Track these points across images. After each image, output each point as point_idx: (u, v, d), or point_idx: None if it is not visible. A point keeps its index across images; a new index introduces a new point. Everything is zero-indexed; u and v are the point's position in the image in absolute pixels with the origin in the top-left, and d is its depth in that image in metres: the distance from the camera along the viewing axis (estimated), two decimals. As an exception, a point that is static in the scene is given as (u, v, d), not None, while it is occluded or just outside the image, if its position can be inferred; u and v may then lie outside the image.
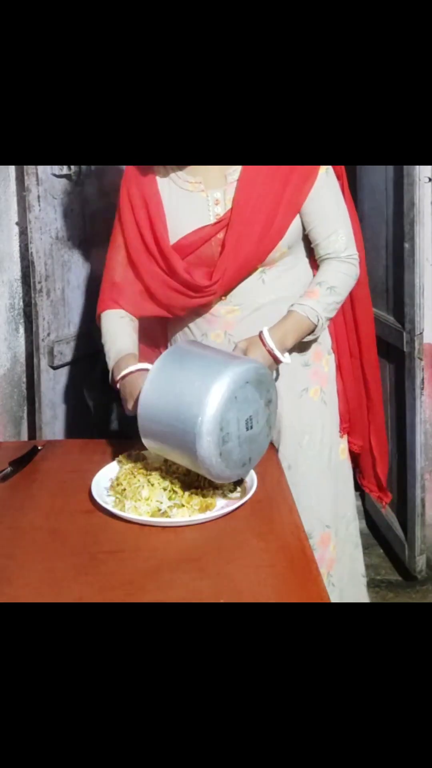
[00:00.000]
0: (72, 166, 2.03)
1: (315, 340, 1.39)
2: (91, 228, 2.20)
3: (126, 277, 1.41)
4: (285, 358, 1.29)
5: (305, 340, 1.35)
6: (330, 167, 1.35)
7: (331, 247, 1.36)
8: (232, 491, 1.15)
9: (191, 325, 1.43)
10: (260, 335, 1.28)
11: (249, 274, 1.36)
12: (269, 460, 1.25)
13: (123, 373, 1.27)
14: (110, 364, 1.34)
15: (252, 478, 1.16)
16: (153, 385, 1.09)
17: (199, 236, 1.33)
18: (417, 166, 2.01)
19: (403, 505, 2.26)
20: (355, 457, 1.62)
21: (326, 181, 1.35)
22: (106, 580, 0.93)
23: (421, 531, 2.20)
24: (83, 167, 2.08)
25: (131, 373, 1.26)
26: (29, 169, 1.86)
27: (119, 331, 1.40)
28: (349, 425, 1.53)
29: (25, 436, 2.08)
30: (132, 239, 1.38)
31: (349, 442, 1.55)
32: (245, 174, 1.31)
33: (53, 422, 2.05)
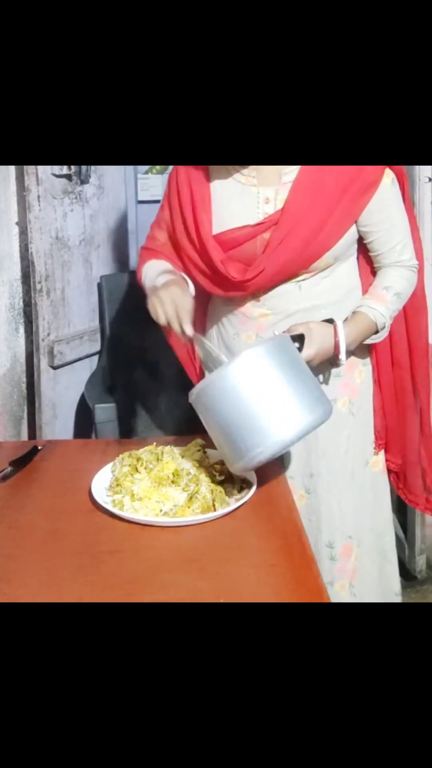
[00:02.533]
0: (72, 166, 2.03)
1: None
2: (91, 228, 2.20)
3: (166, 245, 1.43)
4: (343, 359, 1.28)
5: (365, 342, 1.33)
6: (394, 176, 1.32)
7: (396, 256, 1.34)
8: (232, 492, 1.15)
9: (225, 322, 1.42)
10: (334, 327, 1.26)
11: (287, 279, 1.33)
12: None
13: (165, 280, 1.28)
14: (155, 281, 1.34)
15: (252, 478, 1.16)
16: (245, 370, 1.05)
17: (244, 233, 1.30)
18: (417, 166, 2.01)
19: (403, 505, 2.25)
20: (402, 470, 1.56)
21: (392, 191, 1.32)
22: (106, 580, 0.93)
23: (421, 531, 2.21)
24: (83, 167, 2.08)
25: (172, 282, 1.27)
26: (29, 169, 1.86)
27: (162, 265, 1.39)
28: (384, 442, 1.49)
29: (25, 436, 2.08)
30: (176, 222, 1.38)
31: (387, 459, 1.51)
32: (302, 176, 1.27)
33: (53, 422, 2.05)
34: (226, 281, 1.32)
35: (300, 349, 1.19)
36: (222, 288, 1.35)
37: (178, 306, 1.22)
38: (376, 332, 1.33)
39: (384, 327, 1.32)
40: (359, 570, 1.46)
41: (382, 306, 1.32)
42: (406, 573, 2.26)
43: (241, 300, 1.37)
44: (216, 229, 1.32)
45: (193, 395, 1.09)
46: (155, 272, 1.37)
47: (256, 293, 1.34)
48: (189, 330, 1.21)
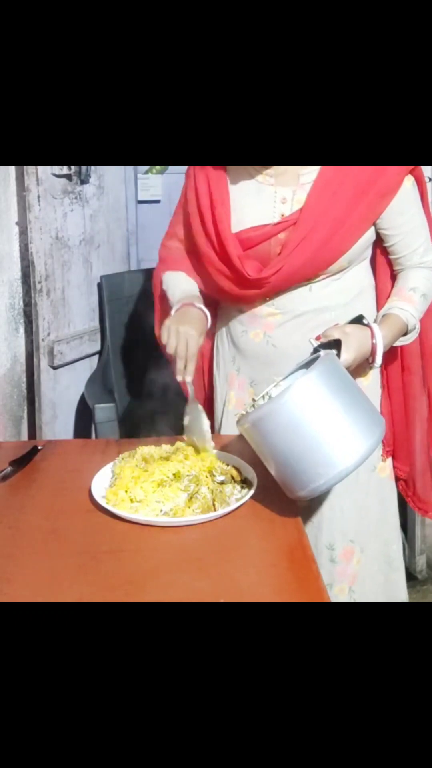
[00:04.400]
0: (72, 166, 2.03)
1: None
2: (91, 228, 2.20)
3: (181, 251, 1.44)
4: (379, 361, 1.26)
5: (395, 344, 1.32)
6: (413, 179, 1.32)
7: (418, 258, 1.34)
8: (232, 492, 1.15)
9: (234, 319, 1.43)
10: (371, 329, 1.24)
11: (302, 281, 1.32)
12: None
13: (183, 302, 1.30)
14: (174, 300, 1.35)
15: (252, 478, 1.16)
16: (302, 399, 1.01)
17: (260, 233, 1.30)
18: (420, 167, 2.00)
19: (403, 505, 2.25)
20: (410, 477, 1.54)
21: (413, 194, 1.32)
22: (106, 580, 0.93)
23: (421, 531, 2.21)
24: (83, 167, 2.08)
25: (185, 305, 1.28)
26: (29, 169, 1.86)
27: (181, 279, 1.41)
28: (392, 449, 1.48)
29: (25, 436, 2.08)
30: (193, 220, 1.37)
31: (394, 467, 1.50)
32: (321, 178, 1.27)
33: (53, 422, 2.05)
34: (243, 279, 1.32)
35: (338, 355, 1.16)
36: (238, 286, 1.35)
37: (189, 350, 1.22)
38: (405, 333, 1.32)
39: (414, 328, 1.32)
40: (362, 575, 1.45)
41: (412, 307, 1.31)
42: (406, 573, 2.26)
43: (252, 300, 1.37)
44: (234, 227, 1.32)
45: (247, 425, 1.05)
46: (177, 287, 1.39)
47: (269, 294, 1.35)
48: (189, 379, 1.22)
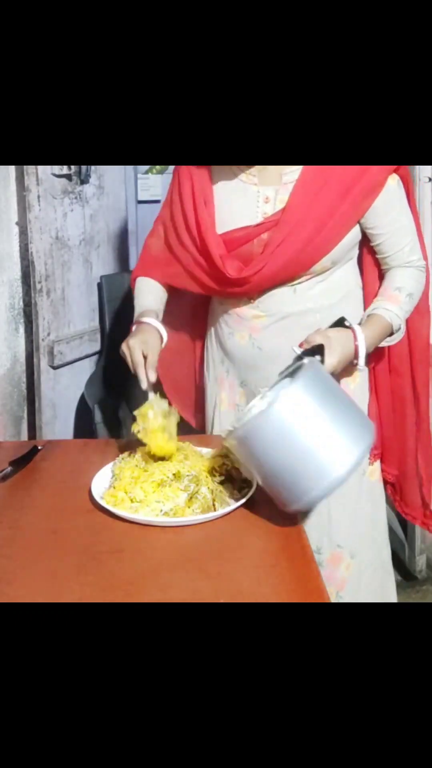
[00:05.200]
0: (72, 166, 2.03)
1: None
2: (91, 228, 2.20)
3: (162, 251, 1.44)
4: (361, 363, 1.25)
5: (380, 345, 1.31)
6: (399, 178, 1.31)
7: (405, 257, 1.33)
8: (232, 492, 1.15)
9: (221, 321, 1.43)
10: (353, 331, 1.23)
11: (285, 282, 1.32)
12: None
13: (136, 319, 1.34)
14: (135, 315, 1.40)
15: (252, 478, 1.16)
16: (289, 411, 0.99)
17: (243, 234, 1.30)
18: (417, 166, 2.01)
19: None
20: (398, 482, 1.53)
21: (399, 193, 1.31)
22: (106, 580, 0.93)
23: (421, 531, 2.20)
24: (83, 167, 2.08)
25: (142, 323, 1.32)
26: (29, 169, 1.86)
27: (145, 291, 1.45)
28: (380, 452, 1.47)
29: (25, 436, 2.08)
30: (176, 217, 1.37)
31: (382, 470, 1.48)
32: (304, 177, 1.27)
33: (53, 422, 2.05)
34: (224, 278, 1.32)
35: (321, 360, 1.15)
36: (219, 285, 1.34)
37: (135, 359, 1.25)
38: (391, 334, 1.31)
39: (399, 329, 1.31)
40: (354, 582, 1.43)
41: (396, 307, 1.30)
42: (406, 573, 2.26)
43: (236, 301, 1.37)
44: (218, 229, 1.32)
45: (234, 441, 1.04)
46: (141, 300, 1.42)
47: (252, 294, 1.34)
48: (152, 377, 1.24)
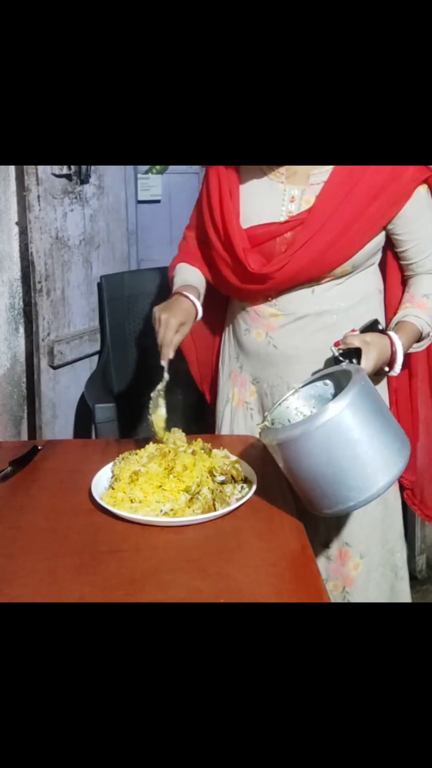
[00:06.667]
0: (72, 166, 2.03)
1: None
2: (91, 228, 2.20)
3: (195, 242, 1.46)
4: (397, 370, 1.26)
5: (410, 350, 1.32)
6: (428, 186, 1.31)
7: (429, 264, 1.34)
8: (232, 492, 1.15)
9: (239, 317, 1.44)
10: (390, 339, 1.24)
11: (303, 283, 1.32)
12: (269, 460, 1.25)
13: (176, 290, 1.35)
14: (174, 288, 1.39)
15: (252, 478, 1.16)
16: (339, 424, 0.99)
17: (266, 231, 1.31)
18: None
19: (403, 505, 2.25)
20: (417, 486, 1.52)
21: (427, 200, 1.31)
22: (106, 580, 0.93)
23: (421, 531, 2.21)
24: (83, 167, 2.08)
25: (182, 295, 1.32)
26: (29, 169, 1.86)
27: (187, 270, 1.45)
28: None
29: (25, 436, 2.08)
30: (205, 213, 1.39)
31: None
32: (333, 178, 1.26)
33: (53, 422, 2.05)
34: (245, 273, 1.32)
35: (358, 363, 1.16)
36: (240, 279, 1.35)
37: (166, 337, 1.25)
38: (419, 340, 1.32)
39: (428, 335, 1.32)
40: (363, 582, 1.44)
41: (426, 314, 1.32)
42: (405, 573, 2.26)
43: (255, 299, 1.38)
44: (243, 222, 1.33)
45: (275, 442, 1.03)
46: (181, 277, 1.43)
47: (271, 293, 1.35)
48: (164, 363, 1.25)
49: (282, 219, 1.31)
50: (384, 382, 1.43)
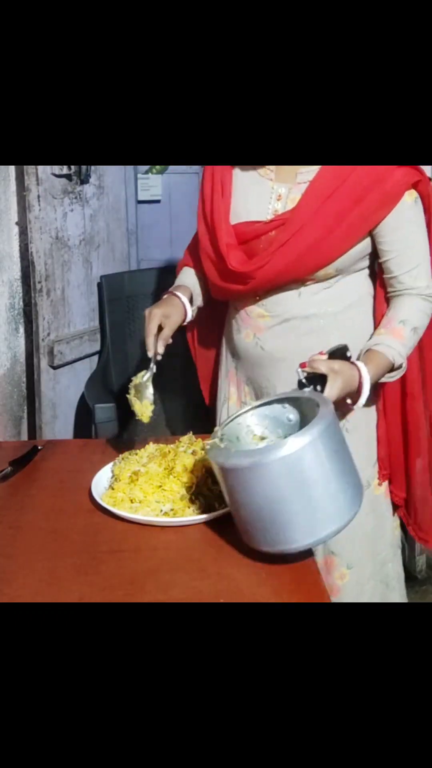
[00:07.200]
0: (72, 166, 2.03)
1: None
2: (91, 228, 2.20)
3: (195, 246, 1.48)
4: (361, 403, 1.20)
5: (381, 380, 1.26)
6: (418, 195, 1.27)
7: (411, 282, 1.28)
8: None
9: (231, 319, 1.45)
10: (359, 371, 1.18)
11: (289, 283, 1.31)
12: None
13: (170, 290, 1.40)
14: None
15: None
16: (299, 459, 0.89)
17: (252, 228, 1.30)
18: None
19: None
20: (409, 505, 1.46)
21: (414, 210, 1.27)
22: (106, 580, 0.93)
23: (421, 531, 2.20)
24: (83, 167, 2.08)
25: (172, 294, 1.38)
26: (29, 169, 1.86)
27: (186, 272, 1.51)
28: (389, 473, 1.42)
29: (25, 436, 2.08)
30: (198, 206, 1.40)
31: (391, 492, 1.44)
32: (318, 179, 1.24)
33: (53, 422, 2.05)
34: (226, 270, 1.32)
35: (322, 390, 1.10)
36: (221, 276, 1.35)
37: (151, 329, 1.29)
38: (391, 370, 1.26)
39: (401, 367, 1.26)
40: (352, 594, 1.41)
41: (399, 343, 1.25)
42: (406, 573, 2.26)
43: (245, 299, 1.38)
44: (232, 219, 1.33)
45: (221, 465, 0.94)
46: (180, 279, 1.49)
47: (256, 291, 1.34)
48: (160, 349, 1.28)
49: (269, 217, 1.29)
50: (372, 408, 1.38)
